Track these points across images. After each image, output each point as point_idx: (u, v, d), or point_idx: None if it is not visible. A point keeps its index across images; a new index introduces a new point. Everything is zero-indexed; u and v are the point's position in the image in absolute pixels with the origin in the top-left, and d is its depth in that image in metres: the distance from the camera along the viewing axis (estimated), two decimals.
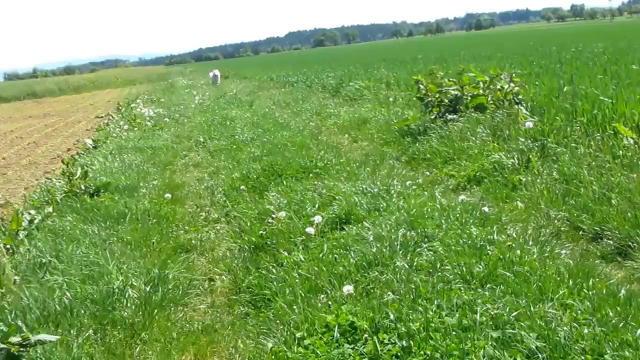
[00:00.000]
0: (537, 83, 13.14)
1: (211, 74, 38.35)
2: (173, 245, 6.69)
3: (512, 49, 36.81)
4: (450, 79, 11.86)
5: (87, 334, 4.56)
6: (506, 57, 27.75)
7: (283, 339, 4.13)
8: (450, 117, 10.71)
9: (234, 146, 11.88)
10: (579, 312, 3.88)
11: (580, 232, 5.77)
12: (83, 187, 8.63)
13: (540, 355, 3.42)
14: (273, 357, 3.98)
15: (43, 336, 4.13)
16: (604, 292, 4.21)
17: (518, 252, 4.97)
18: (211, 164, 11.05)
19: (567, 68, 16.25)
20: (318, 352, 3.80)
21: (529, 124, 8.78)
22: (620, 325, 3.67)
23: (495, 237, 5.34)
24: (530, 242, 5.31)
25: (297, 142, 11.23)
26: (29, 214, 7.71)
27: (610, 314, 3.81)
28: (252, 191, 8.33)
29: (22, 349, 3.99)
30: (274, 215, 6.63)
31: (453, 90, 11.04)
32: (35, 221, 7.46)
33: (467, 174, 8.11)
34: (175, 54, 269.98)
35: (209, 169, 10.69)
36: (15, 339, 3.96)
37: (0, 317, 4.75)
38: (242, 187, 8.42)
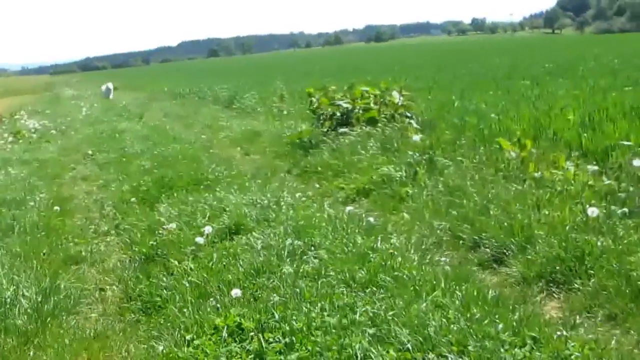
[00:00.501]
0: (429, 98, 13.91)
1: (104, 87, 36.50)
2: (63, 257, 6.90)
3: (410, 62, 38.02)
4: (343, 93, 12.44)
5: None
6: (403, 70, 28.82)
7: (174, 342, 4.50)
8: (342, 130, 11.28)
9: (124, 159, 12.11)
10: (450, 310, 4.41)
11: (461, 242, 6.32)
12: None
13: (410, 347, 3.92)
14: (164, 358, 4.34)
15: None
16: (475, 293, 4.76)
17: (399, 259, 5.50)
18: (100, 176, 11.24)
19: (460, 83, 17.19)
20: (207, 351, 4.20)
21: (416, 138, 9.42)
22: (485, 321, 4.22)
23: (378, 245, 5.87)
24: (412, 250, 5.86)
25: (188, 155, 11.59)
26: None
27: (476, 312, 4.36)
28: (143, 204, 8.61)
29: None
30: (164, 227, 6.97)
31: (345, 103, 11.62)
32: None
33: (356, 187, 8.62)
34: (60, 63, 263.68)
35: (98, 182, 10.88)
36: None
37: None
38: (133, 199, 8.70)
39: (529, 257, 5.51)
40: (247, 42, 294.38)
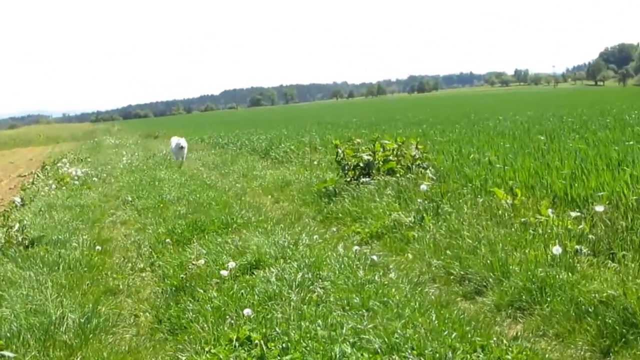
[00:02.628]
0: (450, 150, 14.94)
1: (173, 144, 24.11)
2: (103, 289, 8.03)
3: (447, 114, 39.09)
4: (367, 145, 13.56)
5: (33, 353, 5.92)
6: (437, 122, 29.94)
7: (194, 352, 5.60)
8: (363, 180, 12.36)
9: (161, 205, 13.20)
10: (422, 327, 5.45)
11: (451, 277, 7.32)
12: (20, 239, 9.95)
13: (380, 351, 4.98)
14: None
15: (3, 353, 5.54)
16: (447, 315, 5.81)
17: (393, 289, 6.56)
18: (138, 221, 12.31)
19: (484, 136, 18.27)
20: (221, 357, 5.30)
21: (424, 187, 10.43)
22: (445, 333, 5.28)
23: (376, 278, 6.94)
24: (406, 283, 6.90)
25: (221, 202, 12.71)
26: None
27: (444, 328, 5.41)
28: (177, 244, 9.73)
29: None
30: (194, 263, 8.08)
31: (366, 155, 12.73)
32: None
33: (370, 231, 9.64)
34: (102, 110, 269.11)
35: (136, 226, 11.96)
36: None
37: None
38: (167, 240, 9.84)
39: (503, 288, 6.52)
40: (290, 91, 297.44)
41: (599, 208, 7.63)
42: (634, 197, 8.02)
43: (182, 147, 23.20)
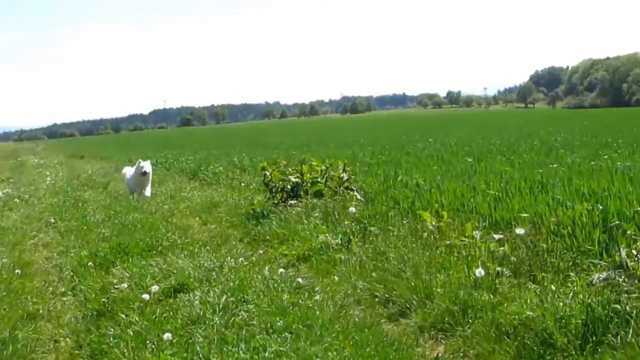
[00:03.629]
0: (379, 172, 15.11)
1: (130, 172, 18.35)
2: (21, 314, 7.86)
3: (378, 135, 39.47)
4: (294, 167, 13.62)
5: None
6: (368, 144, 30.23)
7: None
8: (291, 202, 12.41)
9: (85, 227, 12.98)
10: (343, 349, 5.51)
11: (376, 299, 7.41)
12: None
13: None
14: None
15: None
16: (371, 338, 5.88)
17: (317, 312, 6.60)
18: (61, 243, 12.09)
19: (412, 158, 18.53)
20: None
21: (352, 210, 10.54)
22: (372, 356, 5.34)
23: (301, 301, 6.97)
24: (331, 306, 6.95)
25: (147, 224, 12.57)
26: None
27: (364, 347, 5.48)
28: (100, 267, 9.57)
29: None
30: (116, 286, 8.01)
31: (294, 178, 12.81)
32: None
33: (297, 253, 9.68)
34: (26, 129, 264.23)
35: (58, 249, 11.73)
36: None
37: None
38: (90, 263, 9.71)
39: (427, 310, 6.63)
40: (221, 111, 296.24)
41: (520, 231, 7.83)
42: (554, 220, 8.23)
43: (145, 173, 17.01)
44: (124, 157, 38.02)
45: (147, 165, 17.08)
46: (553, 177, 11.25)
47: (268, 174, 13.40)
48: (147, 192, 17.19)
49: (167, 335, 5.99)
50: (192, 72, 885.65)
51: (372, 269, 8.19)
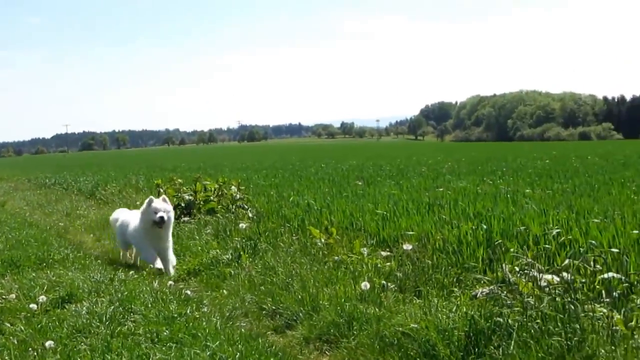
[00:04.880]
0: (272, 193, 15.09)
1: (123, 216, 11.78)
2: None
3: (273, 161, 39.52)
4: (189, 185, 13.46)
5: None
6: (262, 168, 30.22)
7: None
8: (184, 219, 12.23)
9: None
10: (228, 358, 5.40)
11: (264, 312, 7.32)
12: None
13: None
14: None
15: None
16: (256, 347, 5.79)
17: (203, 323, 6.47)
18: None
19: (305, 181, 18.58)
20: None
21: (243, 226, 10.46)
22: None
23: (188, 312, 6.82)
24: (218, 317, 6.83)
25: (40, 239, 12.17)
26: None
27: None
28: None
29: None
30: (4, 297, 7.67)
31: (188, 195, 12.64)
32: None
33: (187, 268, 9.55)
34: None
35: None
36: None
37: None
38: None
39: (313, 322, 6.57)
40: (122, 137, 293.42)
41: (407, 247, 7.88)
42: (439, 237, 8.34)
43: (163, 220, 9.58)
44: (23, 177, 37.16)
45: (164, 206, 9.75)
46: (439, 199, 11.42)
47: (162, 191, 13.19)
48: (170, 254, 9.85)
49: (49, 343, 5.75)
50: (94, 98, 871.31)
51: (261, 283, 8.11)
